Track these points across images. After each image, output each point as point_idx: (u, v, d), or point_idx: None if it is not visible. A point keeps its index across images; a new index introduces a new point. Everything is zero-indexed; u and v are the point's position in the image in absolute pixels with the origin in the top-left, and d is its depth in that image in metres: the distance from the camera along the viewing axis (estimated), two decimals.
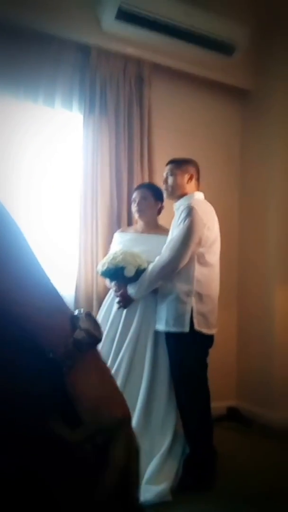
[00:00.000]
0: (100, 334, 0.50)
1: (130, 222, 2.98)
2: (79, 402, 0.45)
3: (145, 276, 2.29)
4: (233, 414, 3.34)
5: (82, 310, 0.51)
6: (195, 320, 2.24)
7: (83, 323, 0.49)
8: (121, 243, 2.57)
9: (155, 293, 2.38)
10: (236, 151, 3.68)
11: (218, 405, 3.18)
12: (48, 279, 0.50)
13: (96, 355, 0.49)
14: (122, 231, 2.72)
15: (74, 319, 0.49)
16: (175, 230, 2.30)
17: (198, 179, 2.48)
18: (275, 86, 3.40)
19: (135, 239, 2.55)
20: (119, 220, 3.00)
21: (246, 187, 3.64)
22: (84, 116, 2.91)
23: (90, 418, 0.45)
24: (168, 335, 2.30)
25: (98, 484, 0.43)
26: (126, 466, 0.46)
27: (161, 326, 2.32)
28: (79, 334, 0.47)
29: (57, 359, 0.45)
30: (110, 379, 0.50)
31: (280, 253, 3.32)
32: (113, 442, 0.46)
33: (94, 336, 0.48)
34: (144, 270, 2.31)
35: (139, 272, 2.30)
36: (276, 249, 3.33)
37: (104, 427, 0.46)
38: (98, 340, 0.49)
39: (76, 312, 0.50)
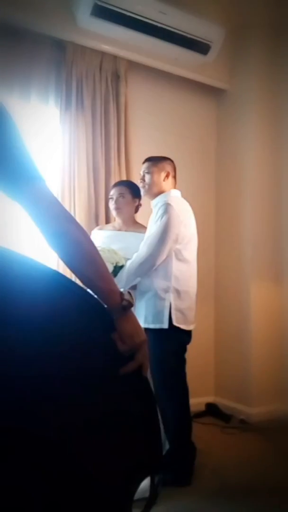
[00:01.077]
0: (133, 302, 1.48)
1: (108, 220, 2.97)
2: (122, 333, 0.98)
3: (123, 273, 2.28)
4: (212, 410, 3.36)
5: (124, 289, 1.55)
6: (173, 316, 2.25)
7: (126, 296, 1.03)
8: (99, 240, 2.55)
9: (133, 290, 2.37)
10: (212, 149, 3.72)
11: (197, 401, 3.20)
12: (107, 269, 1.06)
13: (131, 312, 1.01)
14: (100, 229, 2.70)
15: (121, 294, 1.01)
16: (153, 227, 2.31)
17: (174, 177, 2.49)
18: (249, 85, 3.44)
19: (113, 236, 2.54)
20: (97, 217, 2.98)
21: (222, 185, 3.67)
22: (60, 112, 2.89)
23: (129, 340, 0.98)
24: (147, 331, 2.29)
25: (126, 365, 0.98)
26: (142, 362, 1.01)
27: (140, 323, 2.31)
28: (124, 302, 0.99)
29: (112, 315, 0.99)
30: (137, 323, 1.03)
31: (255, 250, 3.37)
32: (137, 351, 1.00)
33: (131, 303, 1.01)
34: (122, 267, 2.30)
35: (117, 269, 2.29)
36: (251, 246, 3.37)
37: (135, 345, 0.99)
38: (132, 305, 1.01)
39: (122, 290, 1.37)
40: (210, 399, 3.51)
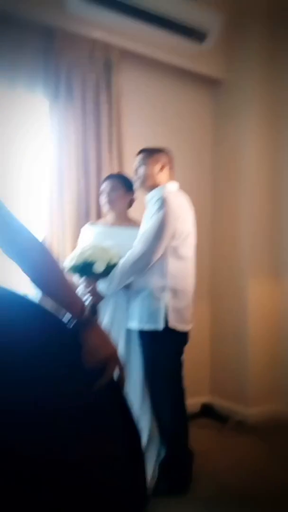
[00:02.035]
0: (96, 318, 1.03)
1: (99, 215, 2.85)
2: (86, 348, 0.95)
3: (116, 271, 2.16)
4: (207, 410, 3.27)
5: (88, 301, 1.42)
6: (169, 317, 2.13)
7: (86, 311, 0.98)
8: (90, 236, 2.44)
9: (127, 289, 2.26)
10: (208, 141, 3.60)
11: (191, 401, 3.09)
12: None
13: (95, 325, 0.99)
14: (92, 224, 2.58)
15: (82, 306, 0.98)
16: (148, 223, 2.18)
17: (171, 169, 2.36)
18: (247, 75, 3.32)
19: (105, 232, 2.42)
20: (88, 213, 2.86)
21: (218, 180, 3.56)
22: (50, 103, 2.75)
23: (93, 355, 0.94)
24: (142, 333, 2.18)
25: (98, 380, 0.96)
26: (111, 376, 0.97)
27: (134, 324, 2.20)
28: (84, 316, 0.97)
29: (73, 327, 0.96)
30: (102, 336, 0.98)
31: (253, 246, 3.27)
32: (107, 365, 0.96)
33: (91, 318, 0.98)
34: (114, 265, 2.18)
35: (110, 267, 2.17)
36: (248, 241, 3.27)
37: (100, 359, 0.95)
38: (94, 322, 0.99)
39: (85, 303, 0.99)
40: (206, 398, 3.42)
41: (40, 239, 0.99)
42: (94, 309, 1.04)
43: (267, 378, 3.22)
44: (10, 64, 2.64)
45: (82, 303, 1.00)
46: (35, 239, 0.98)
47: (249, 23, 3.30)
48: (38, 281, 0.97)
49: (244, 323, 3.25)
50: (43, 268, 0.97)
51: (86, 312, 0.98)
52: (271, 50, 3.31)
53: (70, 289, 1.02)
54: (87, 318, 0.97)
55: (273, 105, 3.32)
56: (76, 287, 1.05)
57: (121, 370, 1.00)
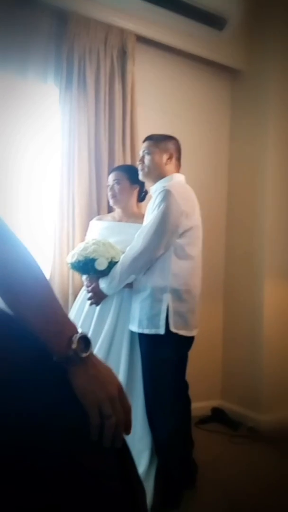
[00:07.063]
0: (87, 352, 0.75)
1: (110, 209, 2.74)
2: (75, 390, 0.73)
3: (117, 269, 2.02)
4: (218, 414, 3.14)
5: (79, 332, 0.75)
6: (171, 321, 1.95)
7: (74, 344, 0.73)
8: (96, 232, 2.33)
9: (130, 288, 2.12)
10: (225, 133, 3.44)
11: (202, 405, 3.00)
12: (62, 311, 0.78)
13: (84, 365, 0.74)
14: (99, 219, 2.47)
15: (69, 342, 0.73)
16: (150, 217, 2.01)
17: (178, 159, 2.19)
18: (267, 66, 3.14)
19: (111, 228, 2.31)
20: (99, 206, 2.75)
21: (235, 172, 3.40)
22: (60, 91, 2.64)
23: (82, 400, 0.72)
24: (141, 337, 2.03)
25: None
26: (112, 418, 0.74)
27: (133, 327, 2.05)
28: (70, 352, 0.73)
29: (58, 364, 0.73)
30: (92, 378, 0.74)
31: (270, 245, 3.10)
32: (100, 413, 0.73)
33: (79, 356, 0.73)
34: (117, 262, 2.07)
35: (112, 265, 2.04)
36: (265, 240, 3.10)
37: (91, 405, 0.72)
38: (83, 358, 0.74)
39: (77, 332, 0.75)
40: (217, 403, 3.28)
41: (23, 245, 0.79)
42: (85, 340, 0.75)
43: (282, 384, 3.06)
44: (21, 50, 2.54)
45: (72, 332, 0.75)
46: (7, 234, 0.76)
47: (271, 12, 3.10)
48: (4, 296, 0.74)
49: (259, 326, 3.09)
50: (11, 276, 0.74)
51: (74, 344, 0.73)
52: None
53: (52, 312, 0.76)
54: (70, 356, 0.73)
55: None
56: (63, 308, 0.79)
57: (126, 415, 0.77)
